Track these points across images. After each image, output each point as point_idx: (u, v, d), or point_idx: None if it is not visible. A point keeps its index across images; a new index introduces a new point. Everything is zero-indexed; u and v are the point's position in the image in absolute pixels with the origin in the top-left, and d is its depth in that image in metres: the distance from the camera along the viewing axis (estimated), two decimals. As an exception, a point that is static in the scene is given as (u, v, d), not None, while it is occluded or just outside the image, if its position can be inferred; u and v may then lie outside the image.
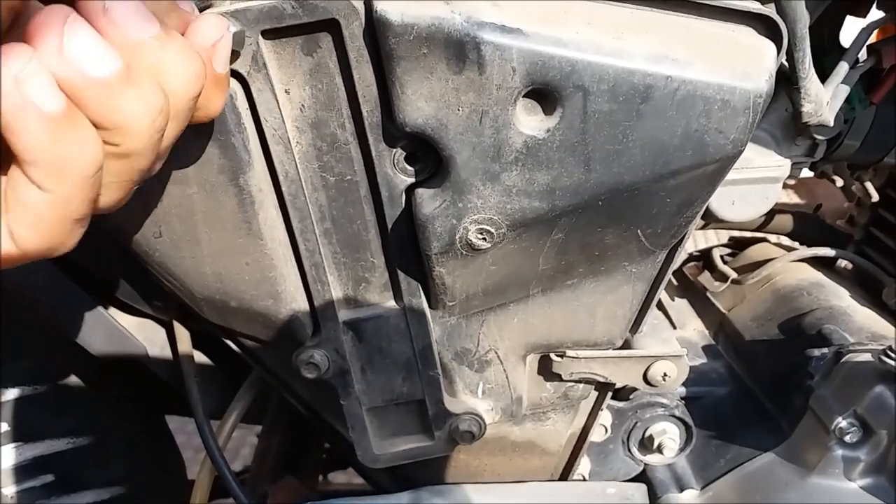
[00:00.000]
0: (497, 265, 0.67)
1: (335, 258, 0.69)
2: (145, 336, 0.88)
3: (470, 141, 0.57)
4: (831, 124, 0.77)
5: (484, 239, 0.63)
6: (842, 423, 0.88)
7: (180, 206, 0.61)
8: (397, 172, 0.63)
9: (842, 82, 0.80)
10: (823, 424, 0.90)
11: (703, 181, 0.62)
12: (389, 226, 0.66)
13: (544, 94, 0.56)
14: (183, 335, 0.87)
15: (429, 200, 0.61)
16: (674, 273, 1.42)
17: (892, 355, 0.83)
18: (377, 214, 0.66)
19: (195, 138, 0.58)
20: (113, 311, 0.85)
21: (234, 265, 0.65)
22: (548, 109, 0.57)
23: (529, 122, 0.57)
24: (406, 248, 0.67)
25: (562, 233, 0.65)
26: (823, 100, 0.73)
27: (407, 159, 0.62)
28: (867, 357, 0.89)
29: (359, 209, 0.66)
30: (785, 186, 1.63)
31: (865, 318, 1.06)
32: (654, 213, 0.64)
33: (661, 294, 1.34)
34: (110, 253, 0.79)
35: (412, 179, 0.63)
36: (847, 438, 0.88)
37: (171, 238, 0.63)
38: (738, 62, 0.56)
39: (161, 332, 0.91)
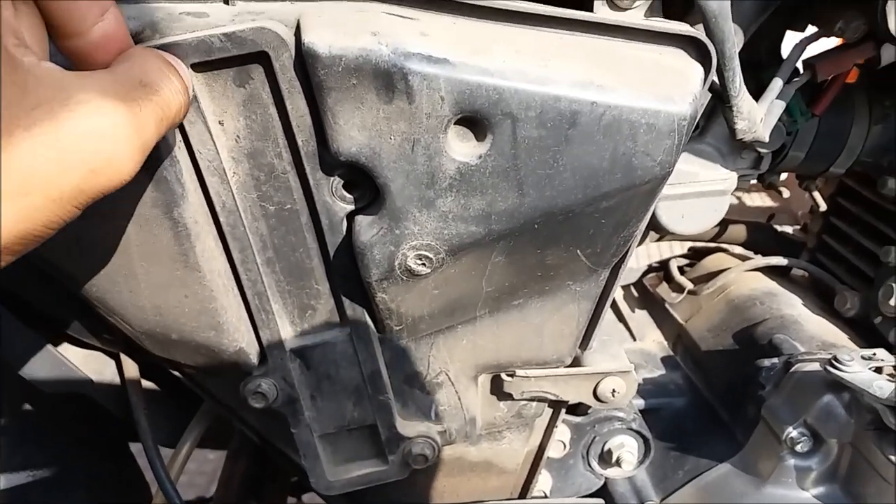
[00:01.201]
0: (440, 289, 0.68)
1: (279, 286, 0.69)
2: (94, 368, 0.87)
3: (403, 169, 0.58)
4: (766, 140, 0.78)
5: (423, 265, 0.63)
6: (792, 432, 0.89)
7: (115, 240, 0.61)
8: (336, 200, 0.63)
9: (778, 97, 0.82)
10: (775, 434, 0.91)
11: (636, 202, 0.63)
12: (332, 253, 0.66)
13: (475, 122, 0.56)
14: (131, 367, 0.86)
15: (367, 228, 0.62)
16: (634, 285, 1.43)
17: (838, 365, 0.84)
18: (319, 242, 0.66)
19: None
20: (62, 344, 0.84)
21: (173, 298, 0.65)
22: (479, 136, 0.57)
23: (461, 148, 0.58)
24: (350, 274, 0.67)
25: (502, 256, 0.65)
26: (757, 116, 0.74)
27: (346, 187, 0.63)
28: (816, 366, 0.90)
29: (300, 237, 0.66)
30: (757, 189, 1.67)
31: (817, 326, 1.08)
32: (592, 233, 0.65)
33: (622, 306, 1.37)
34: (55, 288, 0.78)
35: (351, 207, 0.63)
36: (798, 448, 0.89)
37: (108, 273, 0.62)
38: (663, 86, 0.57)
39: (111, 364, 0.90)
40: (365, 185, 0.62)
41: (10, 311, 0.80)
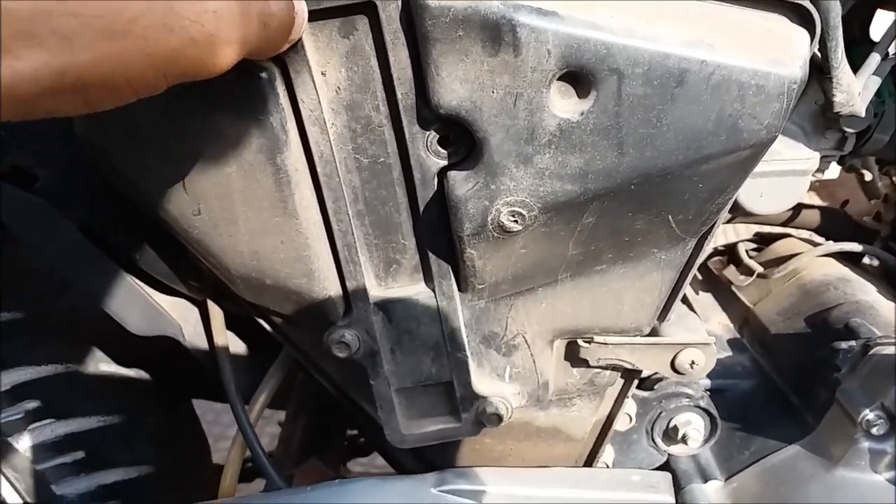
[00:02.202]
0: (527, 249, 0.68)
1: (367, 239, 0.70)
2: (179, 315, 0.90)
3: (504, 123, 0.58)
4: (863, 115, 0.77)
5: (516, 221, 0.63)
6: (869, 415, 0.88)
7: (219, 185, 0.63)
8: (430, 155, 0.64)
9: (873, 74, 0.80)
10: (850, 417, 0.89)
11: (735, 167, 0.62)
12: (421, 208, 0.67)
13: (578, 78, 0.57)
14: (217, 314, 0.89)
15: (461, 182, 0.62)
16: (698, 268, 1.41)
17: (921, 348, 0.82)
18: (409, 197, 0.67)
19: (234, 118, 0.59)
20: (148, 289, 0.87)
21: (270, 243, 0.66)
22: (582, 93, 0.57)
23: (563, 105, 0.58)
24: (437, 230, 0.68)
25: (592, 217, 0.65)
26: (855, 90, 0.73)
27: (440, 142, 0.63)
28: (895, 350, 0.89)
29: (391, 191, 0.67)
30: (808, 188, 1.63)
31: (892, 312, 1.06)
32: (686, 198, 0.64)
33: (686, 287, 1.35)
34: (147, 231, 0.81)
35: (445, 162, 0.64)
36: (874, 431, 0.88)
37: (210, 216, 0.64)
38: (772, 49, 0.57)
39: (194, 312, 0.92)
40: (459, 142, 0.63)
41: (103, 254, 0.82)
